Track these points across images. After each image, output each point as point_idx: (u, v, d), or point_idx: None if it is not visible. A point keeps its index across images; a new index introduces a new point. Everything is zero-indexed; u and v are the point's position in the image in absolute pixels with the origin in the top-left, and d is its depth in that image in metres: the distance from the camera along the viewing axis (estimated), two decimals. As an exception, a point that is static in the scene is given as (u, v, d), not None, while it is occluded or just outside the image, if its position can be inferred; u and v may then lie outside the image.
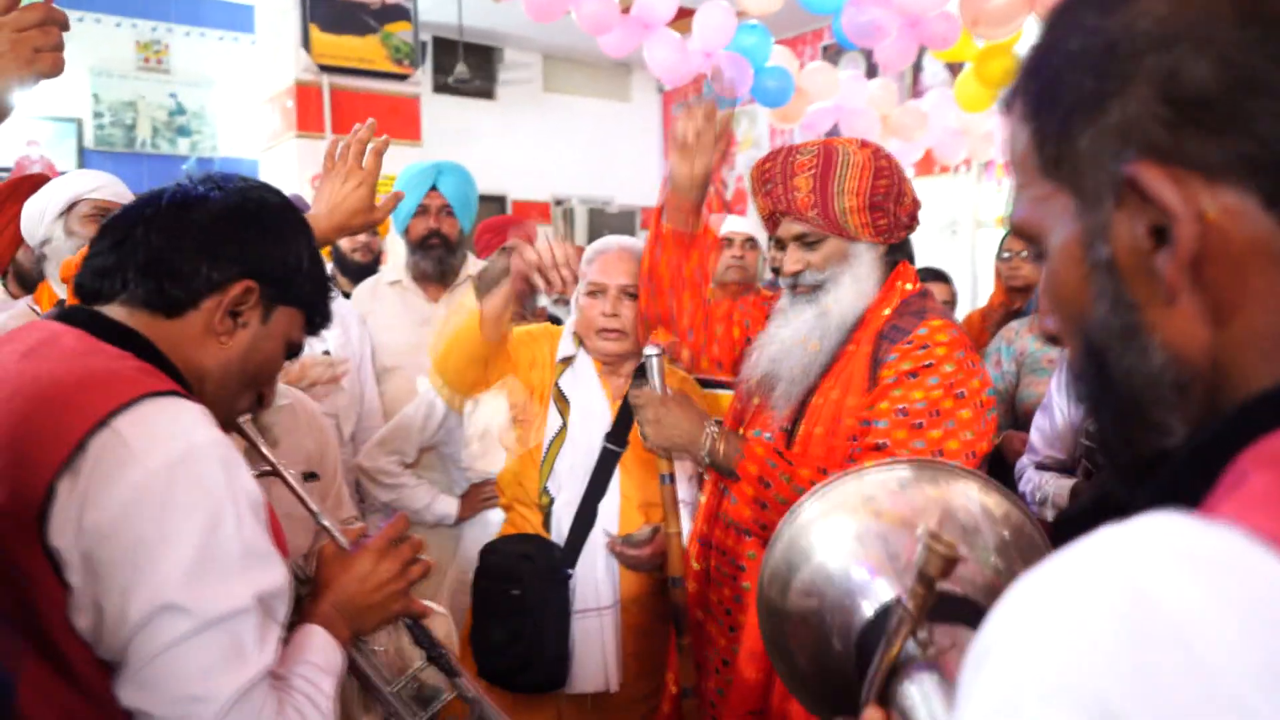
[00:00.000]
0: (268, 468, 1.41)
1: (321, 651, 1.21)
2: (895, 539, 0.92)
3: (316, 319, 1.32)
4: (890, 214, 1.81)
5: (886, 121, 4.98)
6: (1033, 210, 0.62)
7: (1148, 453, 0.59)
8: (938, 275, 3.46)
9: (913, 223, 1.88)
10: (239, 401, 1.26)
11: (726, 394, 3.04)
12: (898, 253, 1.94)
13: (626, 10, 4.02)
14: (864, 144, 1.84)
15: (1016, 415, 2.94)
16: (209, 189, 1.21)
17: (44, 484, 0.97)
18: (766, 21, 4.47)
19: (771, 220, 1.86)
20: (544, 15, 3.81)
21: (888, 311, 1.83)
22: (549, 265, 2.02)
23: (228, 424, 1.30)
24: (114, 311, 1.16)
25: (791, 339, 1.86)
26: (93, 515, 0.97)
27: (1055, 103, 0.59)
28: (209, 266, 1.17)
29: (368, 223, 1.78)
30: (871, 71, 6.50)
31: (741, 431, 1.94)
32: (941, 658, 0.75)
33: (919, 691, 0.74)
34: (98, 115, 6.60)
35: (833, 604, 0.93)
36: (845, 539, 0.96)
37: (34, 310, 2.35)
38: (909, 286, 1.87)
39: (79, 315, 1.16)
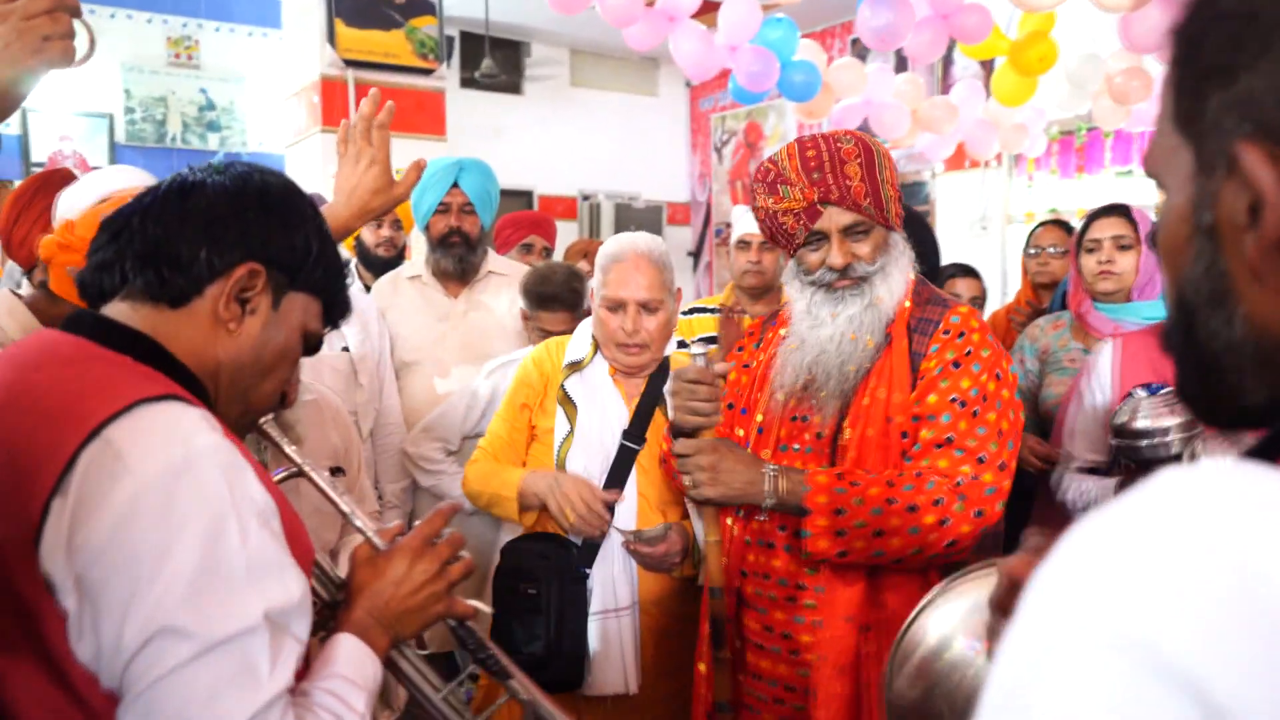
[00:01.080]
0: (293, 469, 1.36)
1: (352, 663, 1.14)
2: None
3: (335, 308, 1.26)
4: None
5: (916, 115, 4.91)
6: (1160, 156, 0.62)
7: (1226, 411, 0.61)
8: (967, 271, 3.41)
9: None
10: (257, 397, 1.19)
11: (702, 317, 3.01)
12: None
13: (651, 3, 3.99)
14: (873, 138, 1.85)
15: (1039, 415, 2.87)
16: (207, 175, 1.16)
17: (40, 504, 0.92)
18: (793, 14, 4.42)
19: (809, 211, 1.76)
20: (568, 8, 3.78)
21: (908, 304, 1.83)
22: (584, 516, 2.08)
23: (248, 423, 1.24)
24: (117, 309, 1.12)
25: (838, 336, 1.78)
26: (83, 533, 0.91)
27: (1193, 61, 0.58)
28: (210, 251, 1.11)
29: (389, 202, 1.69)
30: (901, 66, 6.43)
31: (749, 451, 1.87)
32: None
33: None
34: (129, 111, 6.63)
35: (943, 680, 0.89)
36: (958, 616, 0.92)
37: (15, 295, 2.34)
38: (910, 275, 1.87)
39: (80, 320, 1.11)
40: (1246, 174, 0.53)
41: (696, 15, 4.14)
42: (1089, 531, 0.45)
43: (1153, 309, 2.62)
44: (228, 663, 0.93)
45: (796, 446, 1.84)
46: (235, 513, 0.96)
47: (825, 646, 1.74)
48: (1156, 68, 4.44)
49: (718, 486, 1.76)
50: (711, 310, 3.05)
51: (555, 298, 2.76)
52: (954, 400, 1.73)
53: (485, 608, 1.33)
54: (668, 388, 1.81)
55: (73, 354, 1.05)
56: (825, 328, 1.80)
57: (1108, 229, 2.69)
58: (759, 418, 1.90)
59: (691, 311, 3.13)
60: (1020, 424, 1.80)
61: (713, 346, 1.81)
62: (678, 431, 1.83)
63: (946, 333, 1.78)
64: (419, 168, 1.74)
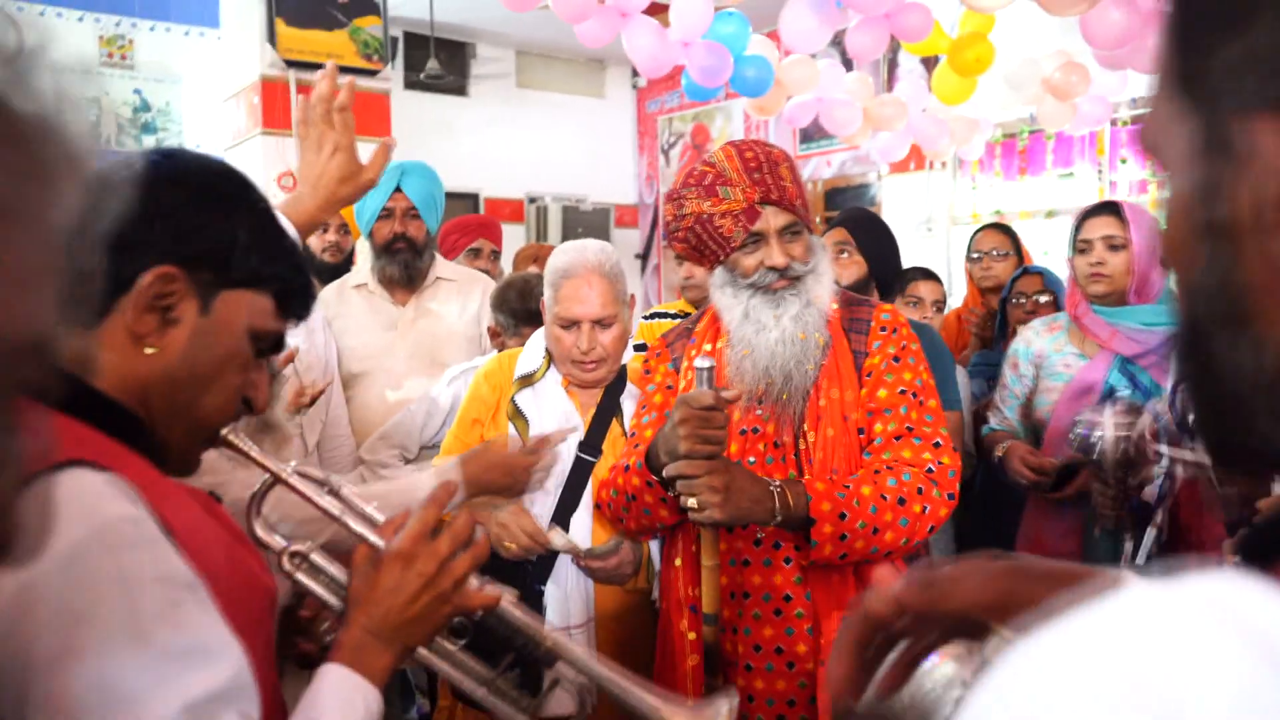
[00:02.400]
0: (268, 477, 1.21)
1: (335, 701, 1.03)
2: None
3: (291, 300, 1.10)
4: None
5: (868, 114, 4.93)
6: (1158, 126, 0.49)
7: (1245, 456, 0.50)
8: (928, 275, 3.38)
9: None
10: (202, 413, 1.05)
11: (663, 321, 2.97)
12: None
13: (601, 0, 3.95)
14: None
15: (1031, 423, 2.76)
16: (112, 171, 0.99)
17: None
18: (745, 12, 4.41)
19: (749, 212, 1.77)
20: (520, 4, 3.73)
21: (835, 306, 1.87)
22: (524, 546, 2.02)
23: (200, 441, 1.09)
24: None
25: (787, 338, 1.80)
26: None
27: (1197, 4, 0.46)
28: (111, 259, 0.96)
29: (358, 188, 1.57)
30: (847, 66, 6.46)
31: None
32: None
33: None
34: (59, 111, 6.45)
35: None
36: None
37: None
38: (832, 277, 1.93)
39: None
40: (1259, 153, 0.41)
41: (645, 13, 4.11)
42: (1029, 656, 0.36)
43: (1152, 313, 2.54)
44: None
45: (752, 459, 1.83)
46: (144, 598, 0.84)
47: (827, 651, 1.73)
48: (1094, 65, 4.50)
49: (728, 508, 1.66)
50: (672, 315, 3.01)
51: (542, 313, 2.67)
52: (903, 392, 1.80)
53: (508, 590, 1.19)
54: (675, 416, 1.70)
55: None
56: (771, 330, 1.80)
57: (1098, 229, 2.60)
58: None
59: (652, 316, 3.09)
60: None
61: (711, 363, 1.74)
62: (676, 456, 1.72)
63: (883, 330, 1.86)
64: (388, 148, 1.63)
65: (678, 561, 1.91)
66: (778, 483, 1.72)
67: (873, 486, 1.72)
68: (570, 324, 2.12)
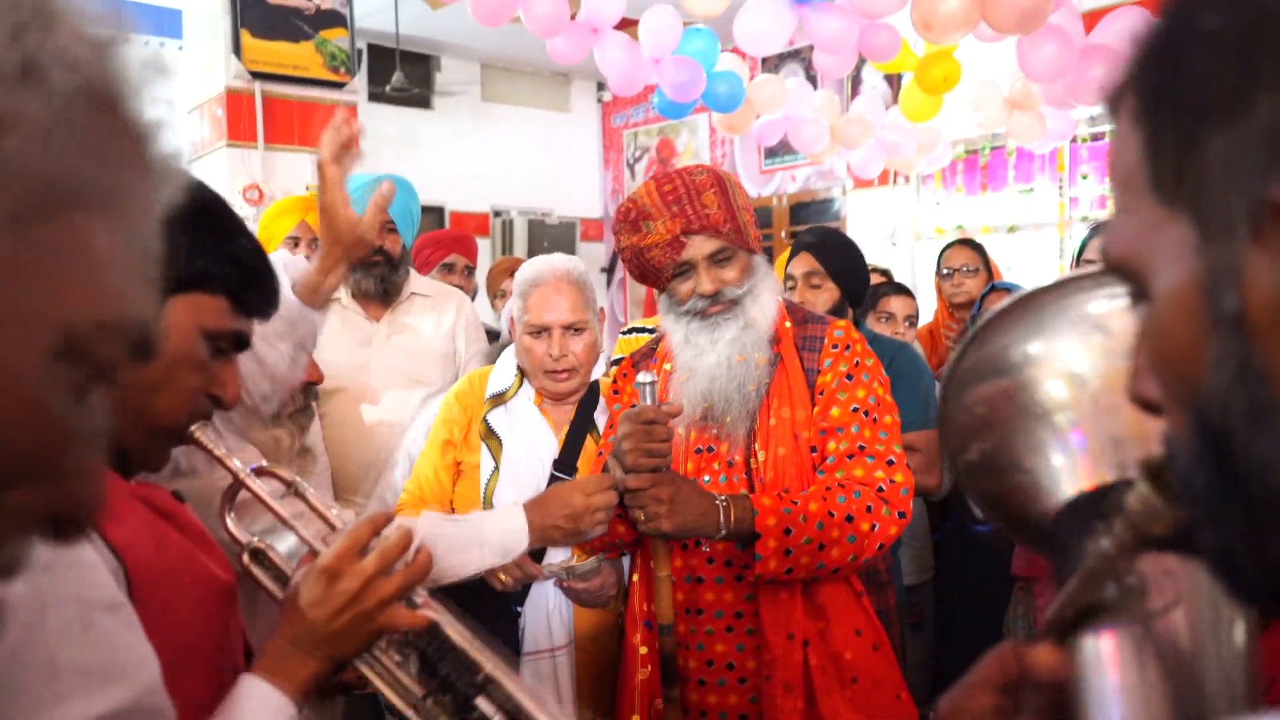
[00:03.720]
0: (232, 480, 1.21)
1: (246, 708, 1.02)
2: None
3: (246, 298, 1.10)
4: None
5: (834, 132, 4.97)
6: (1135, 240, 0.48)
7: None
8: (899, 289, 3.39)
9: None
10: (156, 415, 1.05)
11: (642, 336, 2.97)
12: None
13: (572, 17, 3.95)
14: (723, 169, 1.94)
15: None
16: None
17: None
18: (714, 29, 4.44)
19: (674, 243, 1.80)
20: (491, 19, 3.71)
21: (789, 324, 1.89)
22: (517, 578, 1.97)
23: (164, 441, 1.09)
24: None
25: (725, 360, 1.82)
26: None
27: (1180, 98, 0.45)
28: None
29: (354, 244, 1.58)
30: (811, 82, 6.52)
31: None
32: (1150, 618, 0.57)
33: (1102, 658, 0.58)
34: (15, 123, 6.33)
35: (1009, 428, 0.73)
36: (1079, 377, 0.72)
37: None
38: (779, 297, 1.94)
39: None
40: (1274, 238, 0.41)
41: (616, 29, 4.12)
42: None
43: None
44: None
45: (707, 479, 1.86)
46: (55, 618, 0.83)
47: (771, 666, 1.76)
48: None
49: (675, 518, 1.71)
50: (650, 330, 3.01)
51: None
52: (855, 410, 1.81)
53: (438, 616, 1.16)
54: (619, 431, 1.75)
55: None
56: (709, 354, 1.83)
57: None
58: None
59: (631, 331, 3.08)
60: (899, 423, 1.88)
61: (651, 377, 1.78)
62: (624, 470, 1.78)
63: (835, 347, 1.87)
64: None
65: (635, 577, 1.94)
66: (724, 498, 1.74)
67: (820, 504, 1.73)
68: (540, 330, 2.11)
